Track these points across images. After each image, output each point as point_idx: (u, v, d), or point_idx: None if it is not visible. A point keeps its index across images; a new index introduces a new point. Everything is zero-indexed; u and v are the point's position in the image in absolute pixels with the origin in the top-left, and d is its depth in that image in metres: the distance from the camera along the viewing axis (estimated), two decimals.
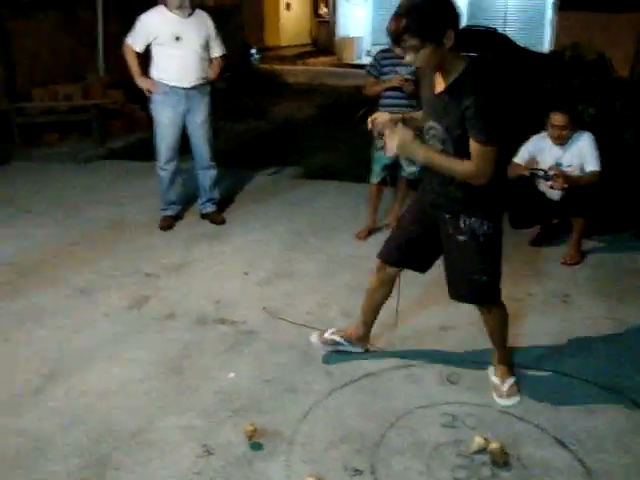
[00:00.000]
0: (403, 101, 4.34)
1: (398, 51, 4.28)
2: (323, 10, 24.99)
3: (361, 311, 3.17)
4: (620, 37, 11.80)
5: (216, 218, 4.97)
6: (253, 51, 16.19)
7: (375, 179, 4.56)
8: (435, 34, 2.38)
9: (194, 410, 2.76)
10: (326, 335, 3.15)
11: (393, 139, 2.55)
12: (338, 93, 11.50)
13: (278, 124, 8.96)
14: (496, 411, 2.78)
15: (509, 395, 2.88)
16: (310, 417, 2.72)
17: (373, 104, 4.51)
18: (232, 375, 3.00)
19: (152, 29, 4.53)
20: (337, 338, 3.14)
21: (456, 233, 2.67)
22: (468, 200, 2.61)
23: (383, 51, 4.49)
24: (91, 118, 7.77)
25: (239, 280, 4.01)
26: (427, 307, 3.67)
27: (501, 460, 2.47)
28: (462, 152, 2.48)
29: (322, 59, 21.79)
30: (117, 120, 8.34)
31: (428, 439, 2.60)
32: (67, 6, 9.77)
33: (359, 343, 3.18)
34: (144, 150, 7.37)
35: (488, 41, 16.03)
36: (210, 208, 5.02)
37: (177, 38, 4.49)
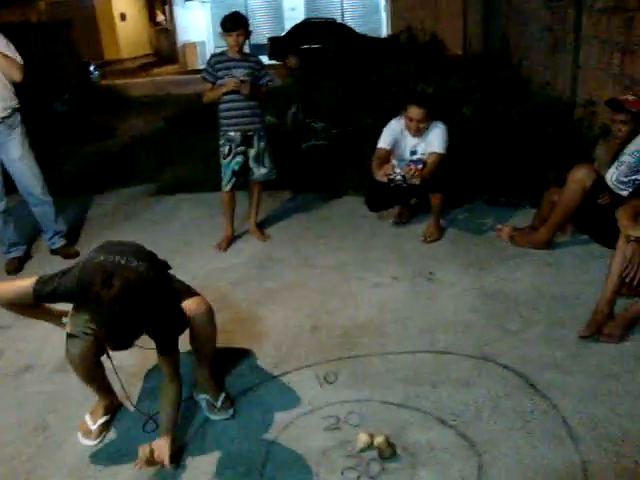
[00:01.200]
0: (242, 103, 4.26)
1: (232, 53, 4.23)
2: (160, 17, 24.40)
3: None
4: (450, 18, 12.38)
5: (68, 251, 4.62)
6: (92, 67, 15.49)
7: (227, 186, 4.45)
8: None
9: (63, 469, 2.53)
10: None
11: None
12: (185, 101, 11.26)
13: (127, 142, 8.62)
14: (377, 403, 2.77)
15: (223, 410, 2.78)
16: (190, 448, 2.58)
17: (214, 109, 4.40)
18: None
19: None
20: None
21: None
22: None
23: (215, 55, 4.39)
24: None
25: None
26: (295, 308, 3.61)
27: (388, 453, 2.45)
28: None
29: (166, 68, 21.32)
30: None
31: (314, 446, 2.53)
32: None
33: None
34: None
35: (328, 31, 16.38)
36: (59, 242, 4.66)
37: None
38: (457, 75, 7.12)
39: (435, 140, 4.26)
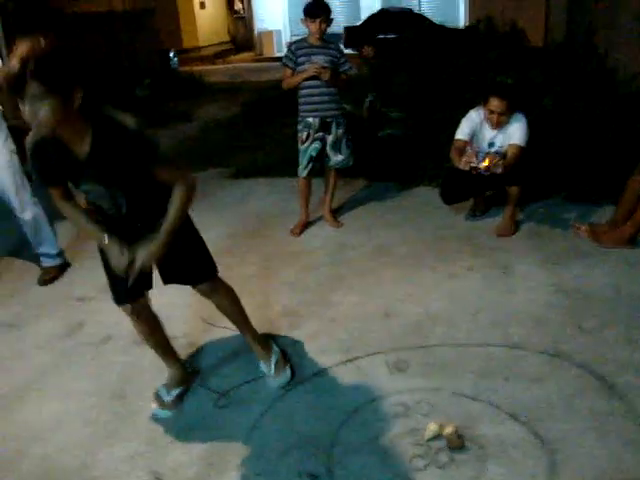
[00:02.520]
0: (322, 90, 4.28)
1: (312, 40, 4.26)
2: (238, 6, 24.68)
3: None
4: (531, 7, 12.03)
5: (46, 275, 4.16)
6: (171, 54, 15.86)
7: (303, 172, 4.49)
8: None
9: (139, 436, 2.63)
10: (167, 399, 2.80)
11: None
12: (261, 89, 11.40)
13: (203, 126, 8.81)
14: (448, 394, 2.75)
15: (278, 374, 2.86)
16: (259, 427, 2.63)
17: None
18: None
19: None
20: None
21: None
22: None
23: (297, 41, 4.42)
24: None
25: (175, 293, 3.85)
26: (367, 295, 3.62)
27: (457, 444, 2.44)
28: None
29: (242, 55, 21.59)
30: None
31: (382, 432, 2.54)
32: None
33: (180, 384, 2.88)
34: None
35: (404, 21, 16.19)
36: (47, 262, 4.22)
37: None
38: (538, 66, 6.92)
39: (515, 132, 4.17)
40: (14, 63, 1.93)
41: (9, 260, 4.60)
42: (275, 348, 3.00)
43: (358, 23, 18.95)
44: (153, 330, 2.78)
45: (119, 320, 3.54)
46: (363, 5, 21.24)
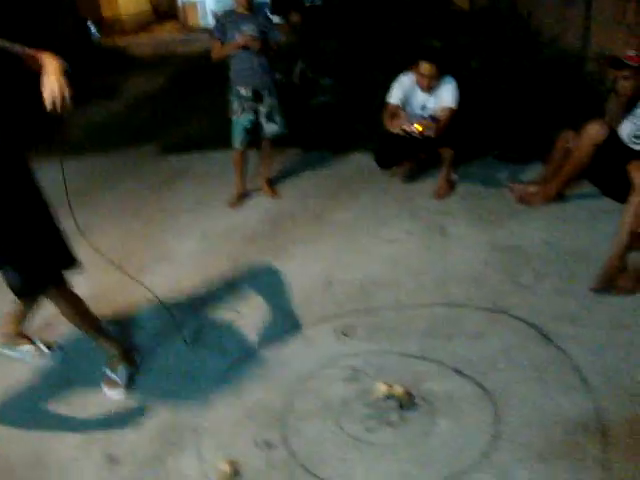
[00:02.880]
0: (253, 60, 4.23)
1: (240, 10, 4.18)
2: None
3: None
4: None
5: None
6: (91, 26, 15.23)
7: (237, 144, 4.44)
8: None
9: (89, 421, 2.59)
10: None
11: None
12: (189, 60, 11.13)
13: (131, 101, 8.55)
14: (395, 355, 2.82)
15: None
16: (212, 401, 2.64)
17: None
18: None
19: None
20: None
21: None
22: None
23: (225, 12, 4.34)
24: None
25: (113, 273, 3.77)
26: (309, 264, 3.65)
27: (406, 402, 2.51)
28: None
29: (166, 26, 20.95)
30: None
31: (334, 397, 2.59)
32: None
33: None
34: None
35: None
36: None
37: None
38: (464, 29, 7.01)
39: (446, 95, 4.24)
40: None
41: None
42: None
43: None
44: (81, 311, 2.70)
45: None
46: None
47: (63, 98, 2.33)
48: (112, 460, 2.39)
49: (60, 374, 2.91)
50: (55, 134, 5.12)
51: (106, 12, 19.30)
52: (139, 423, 2.56)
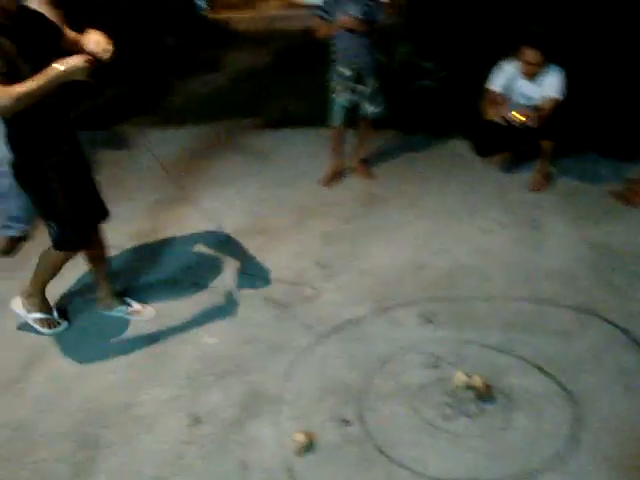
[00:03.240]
0: (356, 40, 4.23)
1: None
2: None
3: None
4: None
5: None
6: (198, 0, 15.60)
7: (336, 122, 4.48)
8: None
9: (178, 379, 2.76)
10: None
11: None
12: (292, 36, 11.20)
13: (233, 75, 8.74)
14: (476, 345, 2.82)
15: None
16: (294, 373, 2.73)
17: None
18: (213, 339, 2.98)
19: None
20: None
21: None
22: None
23: None
24: None
25: (210, 240, 3.94)
26: (400, 248, 3.67)
27: (485, 394, 2.51)
28: None
29: (272, 2, 21.17)
30: None
31: (412, 381, 2.63)
32: None
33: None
34: None
35: None
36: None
37: None
38: (574, 14, 6.72)
39: (551, 85, 4.11)
40: None
41: None
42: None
43: None
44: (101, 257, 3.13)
45: (153, 266, 3.66)
46: None
47: (107, 47, 2.57)
48: (195, 419, 2.53)
49: (151, 332, 3.08)
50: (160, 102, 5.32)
51: None
52: (222, 386, 2.69)
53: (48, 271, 3.03)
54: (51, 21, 2.68)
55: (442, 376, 2.64)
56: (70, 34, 2.69)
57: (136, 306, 3.23)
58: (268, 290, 3.34)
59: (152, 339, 3.03)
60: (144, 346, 2.98)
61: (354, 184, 4.56)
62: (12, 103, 2.38)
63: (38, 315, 3.12)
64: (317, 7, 4.32)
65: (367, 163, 4.77)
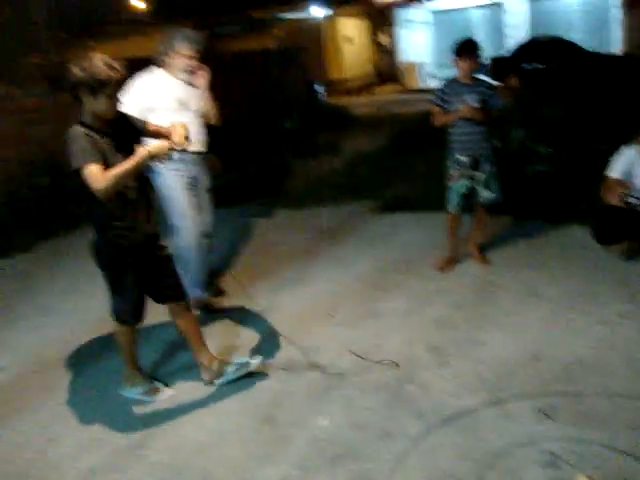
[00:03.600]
0: (473, 128, 4.32)
1: (463, 79, 4.32)
2: (383, 39, 25.17)
3: None
4: None
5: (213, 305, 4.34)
6: (318, 87, 16.47)
7: (452, 208, 4.52)
8: None
9: (290, 460, 2.78)
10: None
11: None
12: (406, 121, 11.53)
13: (349, 159, 9.06)
14: (600, 446, 2.65)
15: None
16: (405, 462, 2.68)
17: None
18: (324, 422, 3.00)
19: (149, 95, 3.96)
20: None
21: None
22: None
23: (448, 81, 4.49)
24: None
25: (324, 323, 4.03)
26: (515, 337, 3.58)
27: None
28: None
29: (387, 88, 21.93)
30: None
31: None
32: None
33: None
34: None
35: (553, 50, 15.74)
36: (201, 293, 4.27)
37: (181, 104, 3.98)
38: None
39: None
40: None
41: None
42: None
43: (502, 52, 18.58)
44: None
45: (272, 346, 3.77)
46: (508, 33, 20.73)
47: (186, 135, 3.15)
48: None
49: (266, 410, 3.15)
50: (279, 187, 5.61)
51: (333, 75, 20.74)
52: (332, 470, 2.68)
53: (123, 348, 3.38)
54: (133, 117, 3.28)
55: (562, 477, 2.50)
56: (151, 126, 3.26)
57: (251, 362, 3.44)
58: (379, 375, 3.34)
59: (268, 419, 3.09)
60: (259, 424, 3.05)
61: (469, 270, 4.54)
62: (110, 185, 2.84)
63: (141, 389, 3.42)
64: (435, 95, 4.45)
65: (482, 249, 4.75)
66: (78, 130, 2.89)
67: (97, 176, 2.81)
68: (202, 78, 4.08)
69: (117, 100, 3.00)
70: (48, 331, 4.32)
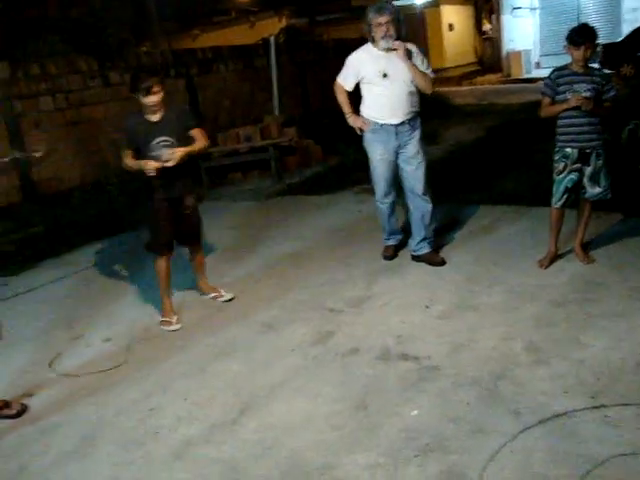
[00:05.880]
0: (582, 119, 4.13)
1: (576, 68, 4.13)
2: (487, 26, 24.44)
3: None
4: None
5: (434, 259, 4.76)
6: None
7: (557, 202, 4.35)
8: None
9: (379, 448, 2.79)
10: None
11: None
12: (509, 112, 11.19)
13: (449, 149, 8.90)
14: None
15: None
16: (497, 459, 2.63)
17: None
18: (416, 412, 2.99)
19: (359, 67, 4.58)
20: None
21: None
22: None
23: (558, 69, 4.30)
24: (269, 157, 8.26)
25: (420, 314, 4.00)
26: (619, 340, 3.41)
27: None
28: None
29: (489, 77, 21.31)
30: (293, 156, 8.77)
31: None
32: (244, 56, 10.64)
33: None
34: (320, 184, 7.72)
35: None
36: (425, 249, 4.81)
37: (384, 75, 4.47)
38: None
39: None
40: None
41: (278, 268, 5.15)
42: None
43: (619, 39, 17.56)
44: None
45: (367, 334, 3.79)
46: (626, 18, 19.46)
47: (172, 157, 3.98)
48: None
49: (359, 397, 3.16)
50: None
51: (434, 64, 20.39)
52: (421, 460, 2.67)
53: (157, 276, 4.29)
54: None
55: None
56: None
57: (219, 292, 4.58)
58: (475, 370, 3.28)
59: (360, 405, 3.11)
60: (350, 411, 3.07)
61: (571, 267, 4.37)
62: (126, 167, 4.12)
63: (161, 318, 4.29)
64: (545, 84, 4.28)
65: (587, 247, 4.55)
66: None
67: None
68: (399, 48, 4.43)
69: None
70: (153, 306, 4.54)
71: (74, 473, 2.89)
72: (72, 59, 8.02)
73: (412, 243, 4.87)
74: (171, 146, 4.00)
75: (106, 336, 4.22)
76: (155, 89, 3.92)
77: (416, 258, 4.84)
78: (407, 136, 4.62)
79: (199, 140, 4.17)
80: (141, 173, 3.99)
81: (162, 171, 3.94)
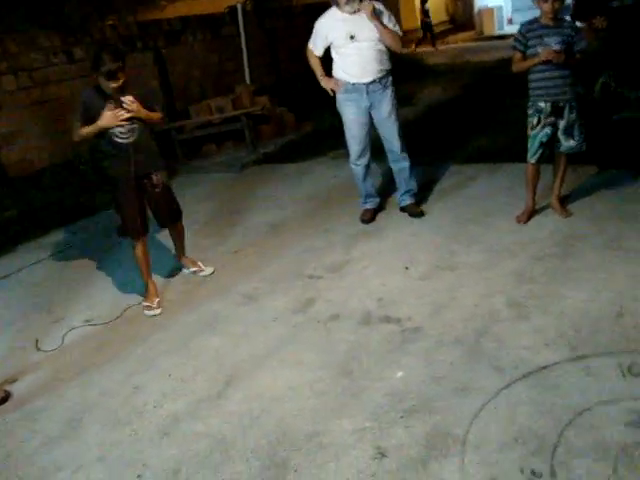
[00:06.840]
0: (554, 73, 4.10)
1: (545, 21, 4.08)
2: None
3: None
4: None
5: (415, 210, 4.96)
6: None
7: (533, 157, 4.34)
8: None
9: (365, 412, 2.80)
10: None
11: None
12: (482, 69, 11.12)
13: (424, 110, 8.84)
14: None
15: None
16: (482, 416, 2.65)
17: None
18: (400, 374, 3.01)
19: (327, 32, 4.61)
20: None
21: None
22: None
23: (528, 23, 4.25)
24: (242, 126, 8.15)
25: (400, 276, 4.00)
26: (599, 291, 3.44)
27: None
28: None
29: (462, 35, 21.15)
30: (267, 125, 8.67)
31: (612, 439, 2.42)
32: (212, 25, 10.43)
33: None
34: (295, 151, 7.65)
35: None
36: (408, 200, 5.01)
37: (351, 37, 4.50)
38: None
39: None
40: None
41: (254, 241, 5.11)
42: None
43: None
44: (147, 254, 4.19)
45: (348, 299, 3.79)
46: None
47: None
48: (380, 453, 2.55)
49: (343, 362, 3.17)
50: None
51: (405, 25, 20.13)
52: (408, 422, 2.68)
53: (136, 261, 4.17)
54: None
55: None
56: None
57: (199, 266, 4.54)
58: (457, 328, 3.30)
59: (344, 371, 3.12)
60: (334, 376, 3.08)
61: (549, 222, 4.38)
62: (77, 138, 3.88)
63: (144, 302, 4.15)
64: (515, 39, 4.24)
65: (564, 200, 4.56)
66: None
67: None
68: (366, 8, 4.44)
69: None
70: (132, 286, 4.49)
71: (61, 456, 2.87)
72: (33, 35, 7.77)
73: (398, 194, 5.08)
74: (132, 125, 3.86)
75: (86, 317, 4.18)
76: (118, 75, 3.69)
77: (401, 209, 5.05)
78: (379, 95, 4.65)
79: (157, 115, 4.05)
80: (105, 155, 3.99)
81: (122, 149, 3.85)
